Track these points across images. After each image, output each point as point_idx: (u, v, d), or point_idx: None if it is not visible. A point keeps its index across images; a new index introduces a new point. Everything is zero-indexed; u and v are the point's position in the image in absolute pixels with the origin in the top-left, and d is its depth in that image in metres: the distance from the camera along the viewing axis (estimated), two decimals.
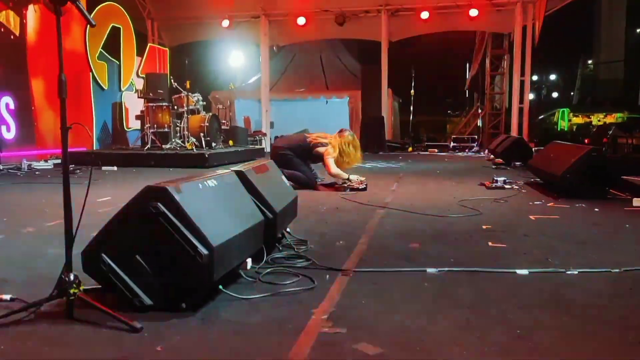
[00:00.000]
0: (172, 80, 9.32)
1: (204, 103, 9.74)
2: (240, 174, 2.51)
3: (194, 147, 8.65)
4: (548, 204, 4.25)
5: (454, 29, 13.72)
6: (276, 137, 5.93)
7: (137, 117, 9.54)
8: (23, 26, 8.07)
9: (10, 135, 8.04)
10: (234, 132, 11.61)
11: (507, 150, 8.24)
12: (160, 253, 1.86)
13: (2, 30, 7.83)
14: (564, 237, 3.07)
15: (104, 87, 9.84)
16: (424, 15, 12.61)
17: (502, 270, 2.36)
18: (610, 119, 23.99)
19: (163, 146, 8.76)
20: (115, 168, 7.89)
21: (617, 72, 32.20)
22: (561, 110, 26.95)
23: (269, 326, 1.77)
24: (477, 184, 5.70)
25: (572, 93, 34.66)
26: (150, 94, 9.18)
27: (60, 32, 1.64)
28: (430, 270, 2.40)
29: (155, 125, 8.84)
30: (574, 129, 23.32)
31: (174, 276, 1.88)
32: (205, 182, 2.13)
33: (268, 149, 11.64)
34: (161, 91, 9.35)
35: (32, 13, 8.16)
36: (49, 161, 8.07)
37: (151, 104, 8.85)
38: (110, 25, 9.94)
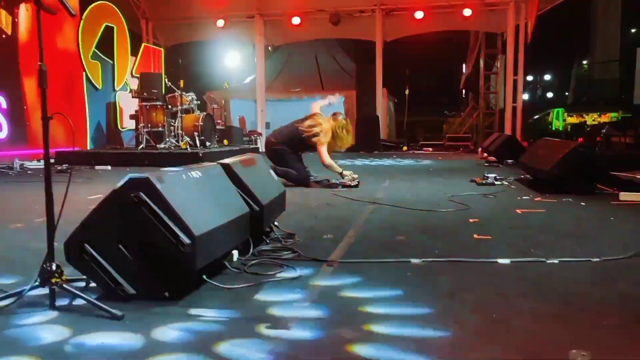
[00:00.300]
0: (166, 80, 9.33)
1: (199, 102, 9.75)
2: (225, 167, 2.53)
3: (188, 147, 8.66)
4: (535, 199, 4.29)
5: (448, 28, 13.78)
6: (271, 133, 5.88)
7: (132, 117, 9.54)
8: (15, 25, 8.07)
9: (2, 134, 8.04)
10: (229, 131, 11.62)
11: (499, 148, 8.28)
12: (142, 242, 1.88)
13: None
14: (548, 230, 3.11)
15: (98, 86, 9.84)
16: (418, 15, 12.66)
17: (484, 260, 2.39)
18: (604, 119, 24.10)
19: (157, 146, 8.77)
20: (109, 167, 7.90)
21: (612, 72, 32.34)
22: (556, 110, 27.06)
23: (253, 315, 1.79)
24: (468, 180, 5.73)
25: (566, 93, 34.79)
26: (145, 94, 9.18)
27: (40, 21, 1.65)
28: (414, 260, 2.42)
29: (149, 125, 8.85)
30: (569, 129, 23.43)
31: (156, 265, 1.89)
32: (189, 173, 2.15)
33: (263, 149, 11.66)
34: (155, 91, 9.35)
35: (23, 12, 8.15)
36: (41, 161, 8.05)
37: (145, 104, 8.86)
38: (104, 25, 9.93)
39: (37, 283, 1.80)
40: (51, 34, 8.83)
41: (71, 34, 9.24)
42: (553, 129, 25.23)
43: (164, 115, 8.85)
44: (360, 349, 1.47)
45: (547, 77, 38.52)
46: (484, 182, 5.39)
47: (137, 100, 9.16)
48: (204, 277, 2.07)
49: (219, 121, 10.96)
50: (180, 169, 2.17)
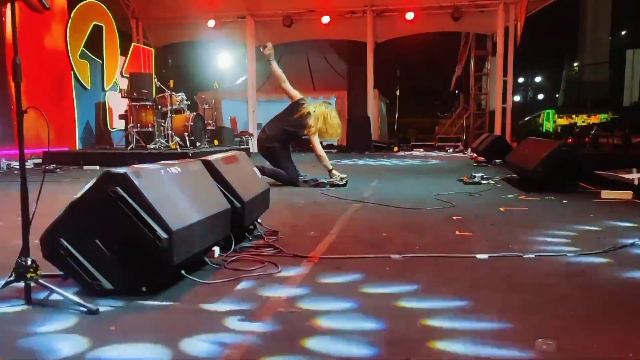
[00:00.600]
0: (156, 80, 9.30)
1: (189, 103, 9.73)
2: (207, 163, 2.54)
3: (178, 147, 8.64)
4: (520, 197, 4.33)
5: (438, 29, 13.86)
6: (261, 130, 5.83)
7: (121, 117, 9.50)
8: (2, 24, 8.00)
9: None
10: (220, 132, 11.60)
11: (487, 149, 8.34)
12: (119, 237, 1.88)
13: None
14: (528, 226, 3.14)
15: (87, 86, 9.78)
16: (409, 16, 12.73)
17: (462, 255, 2.42)
18: (594, 120, 24.35)
19: (147, 146, 8.74)
20: (97, 167, 7.86)
21: (602, 74, 32.64)
22: (546, 111, 27.30)
23: (227, 308, 1.80)
24: (456, 180, 5.77)
25: (557, 95, 35.06)
26: (135, 94, 9.14)
27: (15, 16, 1.64)
28: (394, 256, 2.45)
29: (139, 125, 8.81)
30: (559, 130, 23.64)
31: (134, 260, 1.90)
32: (168, 169, 2.15)
33: (254, 150, 11.66)
34: (145, 91, 9.31)
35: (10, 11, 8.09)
36: (28, 160, 8.01)
37: (135, 104, 8.82)
38: (93, 24, 9.88)
39: (11, 278, 1.80)
40: (39, 33, 8.77)
41: (59, 33, 9.18)
42: (543, 130, 25.45)
43: (154, 116, 8.81)
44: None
45: (538, 79, 38.80)
46: (470, 181, 5.44)
47: (126, 100, 9.13)
48: (183, 272, 2.08)
49: (209, 122, 10.94)
50: (159, 164, 2.17)
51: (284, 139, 5.44)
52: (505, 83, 12.78)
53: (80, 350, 1.45)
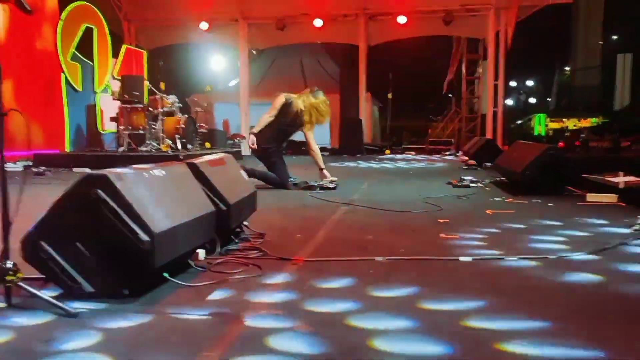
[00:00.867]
0: (147, 82, 9.28)
1: (180, 105, 9.71)
2: (192, 166, 2.54)
3: (169, 149, 8.62)
4: (507, 200, 4.37)
5: (430, 33, 13.95)
6: (252, 127, 5.79)
7: (112, 119, 9.46)
8: None
9: None
10: (212, 134, 11.58)
11: (478, 152, 8.39)
12: (101, 240, 1.88)
13: None
14: (513, 229, 3.17)
15: (77, 88, 9.74)
16: (401, 19, 12.79)
17: (446, 258, 2.43)
18: (585, 124, 24.56)
19: (138, 148, 8.71)
20: (87, 170, 7.80)
21: (593, 79, 32.95)
22: (538, 115, 27.51)
23: (208, 310, 1.80)
24: (445, 183, 5.79)
25: (549, 99, 35.34)
26: (126, 96, 9.12)
27: None
28: (378, 258, 2.46)
29: (130, 127, 8.79)
30: (551, 134, 23.82)
31: (115, 263, 1.90)
32: (151, 171, 2.15)
33: (246, 152, 11.64)
34: (137, 93, 9.28)
35: (1, 13, 8.04)
36: (17, 163, 7.96)
37: (126, 106, 8.80)
38: (84, 26, 9.84)
39: None
40: (29, 35, 8.74)
41: (50, 35, 9.14)
42: (535, 133, 25.63)
43: (145, 118, 8.79)
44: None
45: (530, 82, 39.09)
46: (459, 184, 5.47)
47: (118, 102, 9.10)
48: (165, 274, 2.08)
49: (202, 124, 10.92)
50: (143, 167, 2.17)
51: (278, 139, 5.46)
52: (496, 87, 12.87)
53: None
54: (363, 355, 1.41)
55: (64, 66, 9.33)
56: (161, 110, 8.80)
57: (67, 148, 9.52)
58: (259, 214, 3.33)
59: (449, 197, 4.65)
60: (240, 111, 14.09)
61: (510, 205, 4.13)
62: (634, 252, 2.58)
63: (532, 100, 38.51)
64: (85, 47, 9.95)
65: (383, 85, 15.72)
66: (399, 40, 14.04)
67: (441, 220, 3.45)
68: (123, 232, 1.85)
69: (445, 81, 18.02)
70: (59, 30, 9.20)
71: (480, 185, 5.44)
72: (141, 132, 8.80)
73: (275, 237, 2.98)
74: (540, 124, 26.79)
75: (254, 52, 15.72)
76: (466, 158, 9.22)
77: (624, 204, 4.04)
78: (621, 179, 4.30)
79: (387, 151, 13.26)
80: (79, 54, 9.81)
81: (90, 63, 10.16)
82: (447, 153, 12.61)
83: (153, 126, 8.89)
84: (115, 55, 10.97)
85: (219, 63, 15.97)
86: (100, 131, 10.41)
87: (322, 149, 13.16)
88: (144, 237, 1.85)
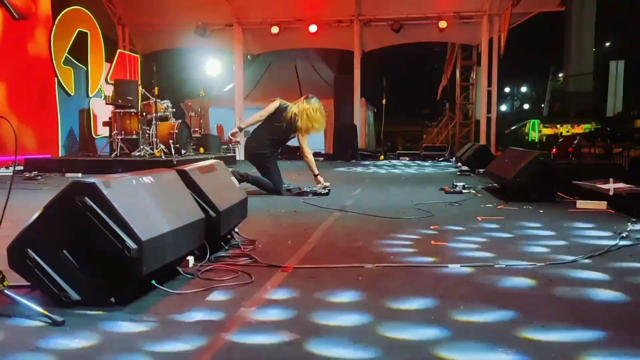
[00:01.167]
0: (140, 87, 9.27)
1: (174, 110, 9.70)
2: (181, 173, 2.54)
3: (162, 154, 8.60)
4: (498, 207, 4.38)
5: (424, 40, 14.04)
6: (249, 137, 5.79)
7: (105, 124, 9.44)
8: None
9: None
10: (206, 139, 11.57)
11: (471, 158, 8.43)
12: (88, 248, 1.87)
13: None
14: (503, 236, 3.18)
15: (70, 92, 9.71)
16: (395, 26, 12.87)
17: (435, 265, 2.44)
18: (578, 130, 24.80)
19: (131, 153, 8.69)
20: (79, 175, 7.78)
21: (586, 85, 33.24)
22: (532, 121, 27.74)
23: (195, 318, 1.80)
24: (438, 189, 5.81)
25: (542, 105, 35.59)
26: (119, 101, 9.10)
27: None
28: (367, 265, 2.46)
29: (123, 132, 8.77)
30: (544, 140, 24.02)
31: (102, 271, 1.89)
32: (140, 179, 2.14)
33: (240, 157, 11.64)
34: (130, 98, 9.27)
35: None
36: (9, 167, 7.92)
37: (119, 111, 8.78)
38: (77, 30, 9.83)
39: None
40: (22, 40, 8.71)
41: (43, 39, 9.12)
42: (529, 139, 25.81)
43: (139, 123, 8.78)
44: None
45: (524, 89, 39.36)
46: (452, 190, 5.48)
47: (111, 107, 9.08)
48: (153, 282, 2.07)
49: (196, 129, 10.91)
50: (131, 174, 2.17)
51: (273, 145, 5.44)
52: (490, 93, 12.95)
53: None
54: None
55: (57, 70, 9.31)
56: (155, 115, 8.78)
57: (60, 152, 9.48)
58: (250, 220, 3.33)
59: (441, 203, 4.66)
60: (234, 116, 14.10)
61: (502, 212, 4.15)
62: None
63: (526, 106, 38.77)
64: (78, 51, 9.94)
65: (377, 91, 15.77)
66: (393, 46, 14.12)
67: (432, 227, 3.46)
68: (110, 239, 1.84)
69: (440, 87, 18.11)
70: (52, 34, 9.18)
71: (473, 191, 5.46)
72: (134, 137, 8.78)
73: (266, 243, 2.98)
74: (534, 130, 27.01)
75: (249, 57, 15.74)
76: (460, 164, 9.26)
77: (613, 211, 4.07)
78: (611, 186, 4.33)
79: (382, 157, 13.29)
80: (72, 58, 9.79)
81: (84, 67, 10.14)
82: (440, 159, 12.65)
83: (146, 131, 8.87)
84: (109, 59, 10.96)
85: (213, 68, 15.98)
86: (93, 136, 10.38)
87: (317, 155, 13.20)
88: (131, 244, 1.85)
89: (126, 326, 1.72)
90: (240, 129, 5.77)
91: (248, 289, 2.14)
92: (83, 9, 10.05)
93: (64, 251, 1.87)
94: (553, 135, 24.38)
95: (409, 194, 5.44)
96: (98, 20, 10.50)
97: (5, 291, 1.78)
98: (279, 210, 4.32)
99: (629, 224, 3.25)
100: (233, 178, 3.33)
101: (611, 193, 4.22)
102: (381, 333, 1.63)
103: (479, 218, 3.79)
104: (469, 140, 14.50)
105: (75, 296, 1.88)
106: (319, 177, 5.45)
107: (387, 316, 1.78)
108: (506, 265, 2.40)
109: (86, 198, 1.84)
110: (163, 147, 8.76)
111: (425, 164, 11.41)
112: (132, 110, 8.84)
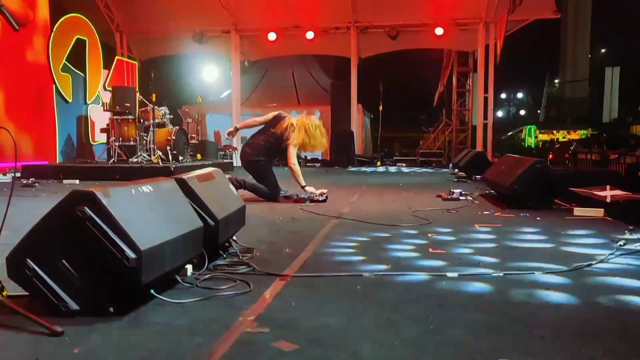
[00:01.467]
0: (138, 93, 9.29)
1: (171, 116, 9.72)
2: (180, 181, 2.54)
3: (160, 161, 8.61)
4: (495, 214, 4.40)
5: (421, 46, 14.13)
6: (245, 144, 5.78)
7: (102, 130, 9.45)
8: None
9: None
10: (203, 146, 11.58)
11: (468, 164, 8.45)
12: (87, 257, 1.87)
13: None
14: (500, 244, 3.19)
15: (68, 99, 9.72)
16: (392, 32, 12.94)
17: (433, 274, 2.45)
18: (574, 136, 24.94)
19: (129, 160, 8.69)
20: (77, 182, 7.77)
21: (582, 91, 33.46)
22: (528, 127, 27.89)
23: (194, 327, 1.80)
24: (435, 196, 5.83)
25: (539, 111, 35.77)
26: (117, 107, 9.12)
27: None
28: (366, 274, 2.47)
29: (120, 139, 8.77)
30: (540, 145, 24.14)
31: (101, 280, 1.89)
32: (139, 188, 2.15)
33: (237, 163, 11.65)
34: (128, 104, 9.29)
35: None
36: (7, 174, 7.90)
37: (116, 117, 8.80)
38: (75, 37, 9.86)
39: None
40: (21, 47, 8.72)
41: (41, 46, 9.14)
42: (526, 145, 25.93)
43: (136, 129, 8.79)
44: None
45: (520, 95, 39.56)
46: (449, 197, 5.50)
47: (109, 113, 9.09)
48: (152, 291, 2.07)
49: (193, 135, 10.92)
50: (130, 183, 2.17)
51: (269, 152, 5.42)
52: (486, 99, 13.02)
53: None
54: None
55: (55, 77, 9.32)
56: (152, 121, 8.79)
57: (57, 159, 9.47)
58: (248, 228, 3.33)
59: (438, 210, 4.67)
60: (231, 122, 14.12)
61: (499, 219, 4.16)
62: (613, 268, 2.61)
63: (522, 112, 38.95)
64: (76, 58, 9.96)
65: (374, 97, 15.84)
66: (390, 53, 14.20)
67: (430, 235, 3.47)
68: (109, 249, 1.84)
69: (436, 93, 18.19)
70: (50, 41, 9.20)
71: (470, 198, 5.48)
72: (132, 143, 8.79)
73: (264, 251, 2.98)
74: (530, 136, 27.13)
75: (246, 63, 15.79)
76: (456, 170, 9.29)
77: (610, 218, 4.09)
78: (608, 193, 4.36)
79: (379, 163, 13.32)
80: (69, 65, 9.81)
81: (81, 74, 10.15)
82: (434, 165, 12.69)
83: (144, 137, 8.88)
84: (107, 66, 10.98)
85: (210, 74, 16.02)
86: (91, 142, 10.38)
87: (313, 161, 13.26)
88: (131, 254, 1.85)
89: (125, 336, 1.72)
90: (236, 129, 5.83)
91: (247, 298, 2.14)
92: (81, 16, 10.08)
93: (63, 261, 1.87)
94: (549, 141, 24.52)
95: (406, 201, 5.45)
96: (96, 28, 10.53)
97: (4, 300, 1.78)
98: (277, 217, 4.32)
99: (626, 232, 3.27)
100: (231, 186, 3.33)
101: (608, 200, 4.25)
102: (380, 342, 1.64)
103: (477, 225, 3.81)
104: (466, 146, 14.57)
105: (74, 306, 1.87)
106: (307, 188, 5.33)
107: (386, 325, 1.79)
108: (504, 274, 2.40)
109: (86, 208, 1.84)
110: (160, 153, 8.77)
111: (422, 170, 11.44)
112: (129, 116, 8.85)
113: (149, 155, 8.75)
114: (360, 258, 2.85)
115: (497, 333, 1.72)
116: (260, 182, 5.39)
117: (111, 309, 1.90)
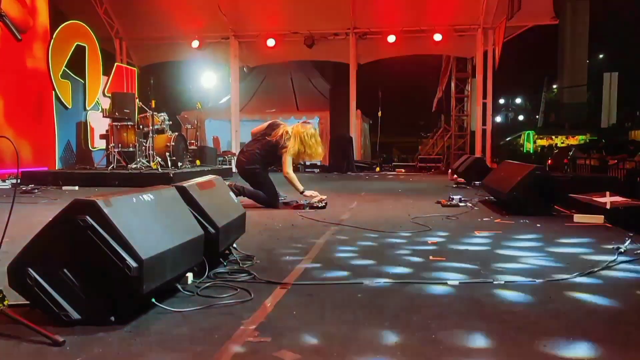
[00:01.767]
0: (137, 100, 9.30)
1: (170, 123, 9.72)
2: (181, 189, 2.54)
3: (159, 167, 8.61)
4: (495, 220, 4.40)
5: (420, 52, 14.17)
6: (240, 152, 5.79)
7: (102, 137, 9.45)
8: None
9: None
10: (202, 152, 11.59)
11: (467, 170, 8.46)
12: (88, 266, 1.87)
13: None
14: (500, 251, 3.20)
15: (68, 105, 9.73)
16: (391, 38, 12.99)
17: (434, 282, 2.45)
18: (573, 141, 24.99)
19: (128, 166, 8.69)
20: (76, 188, 7.77)
21: (580, 97, 33.55)
22: (526, 132, 27.93)
23: (195, 336, 1.80)
24: (435, 202, 5.83)
25: (537, 116, 35.86)
26: (116, 114, 9.12)
27: None
28: (366, 282, 2.47)
29: (120, 145, 8.78)
30: (539, 151, 24.18)
31: (102, 290, 1.89)
32: (140, 196, 2.15)
33: (236, 170, 11.64)
34: (127, 110, 9.29)
35: None
36: (6, 181, 7.90)
37: (116, 124, 8.80)
38: (75, 44, 9.88)
39: None
40: (20, 53, 8.74)
41: (41, 53, 9.16)
42: (524, 150, 25.95)
43: (136, 135, 8.79)
44: None
45: (519, 100, 39.66)
46: (448, 203, 5.50)
47: (108, 120, 9.10)
48: (153, 300, 2.07)
49: (192, 141, 10.93)
50: (131, 192, 2.17)
51: (264, 160, 5.42)
52: (485, 105, 13.06)
53: None
54: None
55: (54, 83, 9.33)
56: (151, 127, 8.80)
57: (57, 165, 9.46)
58: (247, 235, 3.33)
59: (437, 216, 4.67)
60: (230, 128, 14.14)
61: (499, 225, 4.17)
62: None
63: (521, 117, 39.05)
64: (76, 64, 9.98)
65: (373, 103, 15.87)
66: (388, 59, 14.24)
67: (430, 242, 3.47)
68: (111, 258, 1.84)
69: (435, 99, 18.23)
70: (50, 48, 9.22)
71: (469, 204, 5.48)
72: (131, 149, 8.80)
73: (264, 259, 2.98)
74: (529, 141, 27.17)
75: (245, 69, 15.84)
76: (455, 176, 9.29)
77: (610, 225, 4.09)
78: (607, 199, 4.36)
79: (378, 169, 13.33)
80: (69, 72, 9.83)
81: (81, 80, 10.17)
82: (437, 171, 12.71)
83: (143, 144, 8.88)
84: (107, 72, 11.00)
85: (209, 80, 16.06)
86: (90, 148, 10.37)
87: (312, 167, 13.26)
88: (132, 263, 1.85)
89: (126, 345, 1.72)
90: (244, 154, 5.55)
91: (247, 306, 2.13)
92: (81, 23, 10.11)
93: (65, 270, 1.87)
94: (548, 146, 24.56)
95: (405, 207, 5.45)
96: (96, 34, 10.56)
97: (5, 310, 1.78)
98: (276, 224, 4.32)
99: (626, 239, 3.27)
100: (231, 194, 3.33)
101: (608, 206, 4.25)
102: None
103: (477, 232, 3.81)
104: (464, 152, 14.58)
105: (75, 315, 1.87)
106: (305, 192, 5.34)
107: (387, 334, 1.79)
108: (504, 282, 2.41)
109: (87, 217, 1.85)
110: (159, 159, 8.77)
111: (421, 175, 11.45)
112: (129, 123, 8.86)
113: (148, 162, 8.75)
114: (361, 265, 2.85)
115: (497, 341, 1.71)
116: (257, 189, 5.39)
117: (112, 318, 1.90)
